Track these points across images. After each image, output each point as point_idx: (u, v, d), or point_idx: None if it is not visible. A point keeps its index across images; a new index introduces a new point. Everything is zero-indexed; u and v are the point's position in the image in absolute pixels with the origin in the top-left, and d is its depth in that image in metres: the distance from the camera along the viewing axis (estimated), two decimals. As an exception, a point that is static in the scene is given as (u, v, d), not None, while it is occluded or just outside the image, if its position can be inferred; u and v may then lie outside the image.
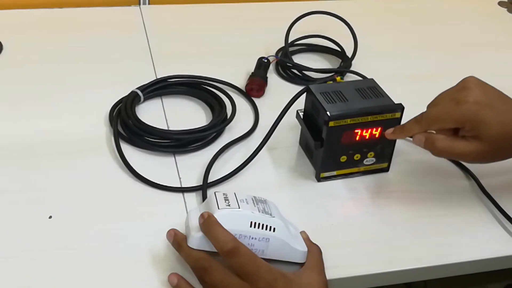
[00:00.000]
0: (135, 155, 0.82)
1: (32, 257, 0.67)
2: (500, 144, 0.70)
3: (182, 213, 0.74)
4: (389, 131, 0.78)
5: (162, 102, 0.93)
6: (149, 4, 1.22)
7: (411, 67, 1.08)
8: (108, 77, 0.98)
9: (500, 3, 1.34)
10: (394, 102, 0.79)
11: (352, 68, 1.02)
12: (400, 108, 0.78)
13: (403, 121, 0.78)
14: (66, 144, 0.83)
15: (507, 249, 0.74)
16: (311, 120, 0.81)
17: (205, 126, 0.86)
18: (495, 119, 0.69)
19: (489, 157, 0.72)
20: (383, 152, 0.81)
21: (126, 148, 0.83)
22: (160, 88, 0.93)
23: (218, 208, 0.64)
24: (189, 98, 0.95)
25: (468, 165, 0.84)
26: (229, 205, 0.64)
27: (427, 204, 0.79)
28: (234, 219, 0.63)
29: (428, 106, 0.74)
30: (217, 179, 0.79)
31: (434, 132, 0.74)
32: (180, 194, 0.77)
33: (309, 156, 0.84)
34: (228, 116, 0.89)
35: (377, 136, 0.79)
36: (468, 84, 0.71)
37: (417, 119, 0.74)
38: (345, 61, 1.05)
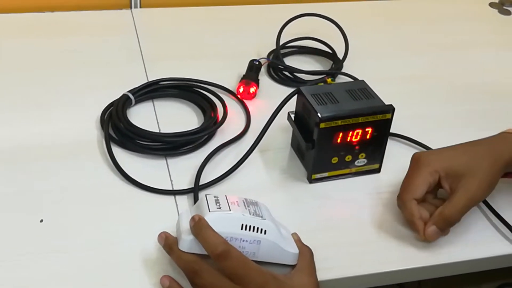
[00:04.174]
0: (126, 158, 0.82)
1: (24, 261, 0.67)
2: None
3: (174, 215, 0.73)
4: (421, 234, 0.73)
5: (153, 105, 0.93)
6: (140, 7, 1.22)
7: (402, 68, 1.09)
8: (99, 80, 0.98)
9: (491, 4, 1.34)
10: (384, 103, 0.79)
11: (343, 70, 1.03)
12: (391, 109, 0.78)
13: (393, 122, 0.79)
14: (57, 147, 0.83)
15: (499, 249, 0.75)
16: (302, 122, 0.81)
17: (196, 128, 0.86)
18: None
19: (493, 185, 0.73)
20: (375, 153, 0.81)
21: (118, 151, 0.83)
22: (152, 91, 0.93)
23: (209, 211, 0.64)
24: (181, 101, 0.95)
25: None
26: (220, 208, 0.64)
27: (419, 205, 0.79)
28: (225, 222, 0.63)
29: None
30: (209, 182, 0.79)
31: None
32: (172, 197, 0.77)
33: (300, 157, 0.84)
34: (220, 118, 0.89)
35: (368, 137, 0.79)
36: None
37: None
38: (336, 63, 1.05)
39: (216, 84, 0.96)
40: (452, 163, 0.73)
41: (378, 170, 0.84)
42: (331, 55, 1.07)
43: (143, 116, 0.89)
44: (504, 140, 0.76)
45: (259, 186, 0.80)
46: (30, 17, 1.14)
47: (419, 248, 0.73)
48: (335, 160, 0.80)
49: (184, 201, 0.77)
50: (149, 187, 0.78)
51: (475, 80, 1.06)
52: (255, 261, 0.63)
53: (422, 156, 0.75)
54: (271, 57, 1.05)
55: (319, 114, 0.75)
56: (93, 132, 0.86)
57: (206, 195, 0.67)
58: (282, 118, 0.82)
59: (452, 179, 0.72)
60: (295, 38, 1.09)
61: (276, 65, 1.03)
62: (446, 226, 0.72)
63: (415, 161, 0.74)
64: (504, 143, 0.75)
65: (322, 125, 0.76)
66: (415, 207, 0.73)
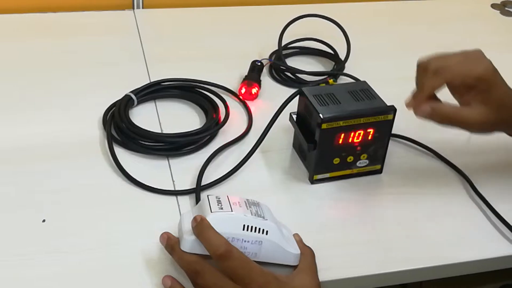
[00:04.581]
0: (128, 159, 0.82)
1: (25, 260, 0.67)
2: (502, 112, 0.71)
3: (176, 216, 0.73)
4: (409, 102, 0.72)
5: (155, 105, 0.93)
6: (143, 8, 1.22)
7: (404, 69, 1.07)
8: (101, 80, 0.98)
9: (493, 5, 1.34)
10: (386, 104, 0.79)
11: (345, 71, 1.03)
12: (393, 110, 0.78)
13: (395, 123, 0.79)
14: (60, 147, 0.83)
15: (501, 250, 0.75)
16: (304, 123, 0.81)
17: (198, 129, 0.86)
18: (504, 85, 0.71)
19: (492, 125, 0.72)
20: (376, 154, 0.81)
21: (120, 152, 0.83)
22: (154, 91, 0.93)
23: (211, 211, 0.64)
24: (183, 101, 0.95)
25: (461, 167, 0.85)
26: (221, 208, 0.64)
27: (421, 206, 0.80)
28: (227, 222, 0.63)
29: (440, 62, 0.71)
30: (211, 182, 0.79)
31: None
32: (174, 197, 0.77)
33: (302, 158, 0.84)
34: (222, 119, 0.89)
35: (370, 138, 0.79)
36: (476, 50, 0.72)
37: (433, 72, 0.70)
38: (338, 64, 1.05)
39: (218, 84, 0.96)
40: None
41: (380, 171, 0.84)
42: (333, 56, 1.07)
43: (145, 117, 0.90)
44: None
45: (260, 186, 0.80)
46: (33, 17, 1.14)
47: (421, 248, 0.74)
48: (336, 161, 0.80)
49: (186, 201, 0.77)
50: (151, 187, 0.78)
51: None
52: (257, 262, 0.63)
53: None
54: (273, 58, 1.05)
55: (321, 115, 0.75)
56: (95, 132, 0.87)
57: (208, 196, 0.67)
58: (284, 119, 0.82)
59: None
60: (297, 39, 1.09)
61: (278, 66, 1.03)
62: (439, 120, 0.71)
63: None
64: None
65: (324, 126, 0.76)
66: (431, 86, 0.70)
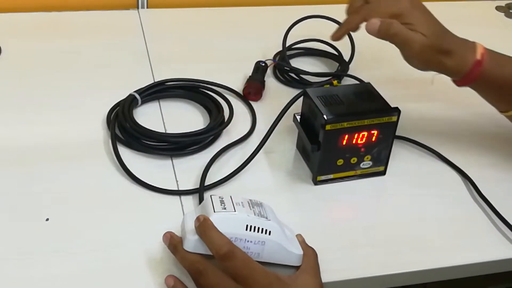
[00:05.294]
0: (132, 158, 0.82)
1: (28, 260, 0.67)
2: (438, 39, 0.76)
3: (179, 216, 0.73)
4: (333, 35, 0.79)
5: (159, 105, 0.93)
6: (147, 8, 1.22)
7: (408, 71, 1.08)
8: (106, 80, 0.98)
9: (497, 8, 1.34)
10: (390, 106, 0.79)
11: (349, 72, 1.03)
12: (397, 111, 0.78)
13: (398, 125, 0.79)
14: (64, 147, 0.84)
15: (504, 252, 0.75)
16: (308, 124, 0.81)
17: (202, 129, 0.86)
18: (425, 17, 0.75)
19: (431, 52, 0.75)
20: (380, 156, 0.81)
21: (124, 151, 0.83)
22: (158, 91, 0.94)
23: (214, 211, 0.64)
24: (187, 102, 0.95)
25: (465, 169, 0.84)
26: (224, 208, 0.64)
27: (424, 208, 0.80)
28: (230, 222, 0.63)
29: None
30: (214, 182, 0.79)
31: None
32: (177, 197, 0.77)
33: (306, 159, 0.84)
34: (226, 119, 0.89)
35: (373, 139, 0.79)
36: None
37: (356, 11, 0.77)
38: (342, 65, 1.05)
39: (222, 85, 0.96)
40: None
41: (383, 173, 0.84)
42: (337, 57, 1.07)
43: (149, 116, 0.90)
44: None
45: (264, 187, 0.80)
46: (38, 16, 1.14)
47: (424, 250, 0.73)
48: (340, 162, 0.80)
49: (189, 201, 0.77)
50: (155, 187, 0.78)
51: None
52: (260, 262, 0.63)
53: None
54: (277, 58, 1.05)
55: (325, 116, 0.75)
56: (99, 132, 0.87)
57: (211, 196, 0.67)
58: (287, 120, 0.83)
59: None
60: (301, 40, 1.09)
61: (282, 66, 1.03)
62: (380, 29, 0.74)
63: None
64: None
65: (328, 127, 0.76)
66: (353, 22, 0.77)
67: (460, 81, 0.79)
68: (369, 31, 0.75)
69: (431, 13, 0.77)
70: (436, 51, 0.75)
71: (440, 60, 0.76)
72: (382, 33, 0.75)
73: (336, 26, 1.04)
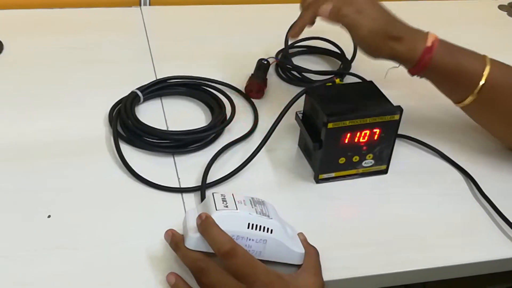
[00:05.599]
0: (134, 155, 0.82)
1: (30, 257, 0.68)
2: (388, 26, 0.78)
3: (181, 213, 0.74)
4: (290, 33, 0.81)
5: (161, 102, 0.93)
6: (149, 5, 1.22)
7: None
8: (108, 77, 0.98)
9: (500, 7, 1.34)
10: (393, 104, 0.79)
11: (351, 70, 1.02)
12: (399, 110, 0.78)
13: (401, 124, 0.79)
14: (66, 144, 0.84)
15: (505, 251, 0.75)
16: (310, 122, 0.81)
17: (204, 127, 0.86)
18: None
19: (379, 37, 0.78)
20: (382, 154, 0.81)
21: (126, 148, 0.83)
22: (160, 88, 0.94)
23: (216, 209, 0.64)
24: (189, 99, 0.95)
25: (466, 168, 0.84)
26: (226, 206, 0.64)
27: (426, 206, 0.79)
28: (232, 220, 0.63)
29: None
30: (216, 180, 0.79)
31: None
32: (179, 195, 0.78)
33: (307, 157, 0.84)
34: (228, 117, 0.89)
35: (375, 138, 0.79)
36: None
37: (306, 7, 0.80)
38: (345, 63, 1.05)
39: (224, 82, 0.96)
40: None
41: (385, 171, 0.83)
42: (339, 55, 1.07)
43: (151, 114, 0.90)
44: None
45: (266, 185, 0.80)
46: (40, 13, 1.14)
47: (425, 249, 0.73)
48: (342, 160, 0.80)
49: (191, 199, 0.77)
50: (156, 184, 0.78)
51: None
52: (261, 260, 0.63)
53: None
54: (279, 56, 1.05)
55: (326, 114, 0.75)
56: (101, 129, 0.87)
57: (213, 193, 0.67)
58: (289, 118, 0.82)
59: None
60: (303, 38, 1.09)
61: (284, 64, 1.03)
62: (331, 11, 0.77)
63: None
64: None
65: (330, 125, 0.76)
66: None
67: (412, 70, 0.80)
68: (322, 14, 0.78)
69: (382, 4, 0.79)
70: (385, 37, 0.77)
71: (390, 46, 0.78)
72: (332, 15, 0.77)
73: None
